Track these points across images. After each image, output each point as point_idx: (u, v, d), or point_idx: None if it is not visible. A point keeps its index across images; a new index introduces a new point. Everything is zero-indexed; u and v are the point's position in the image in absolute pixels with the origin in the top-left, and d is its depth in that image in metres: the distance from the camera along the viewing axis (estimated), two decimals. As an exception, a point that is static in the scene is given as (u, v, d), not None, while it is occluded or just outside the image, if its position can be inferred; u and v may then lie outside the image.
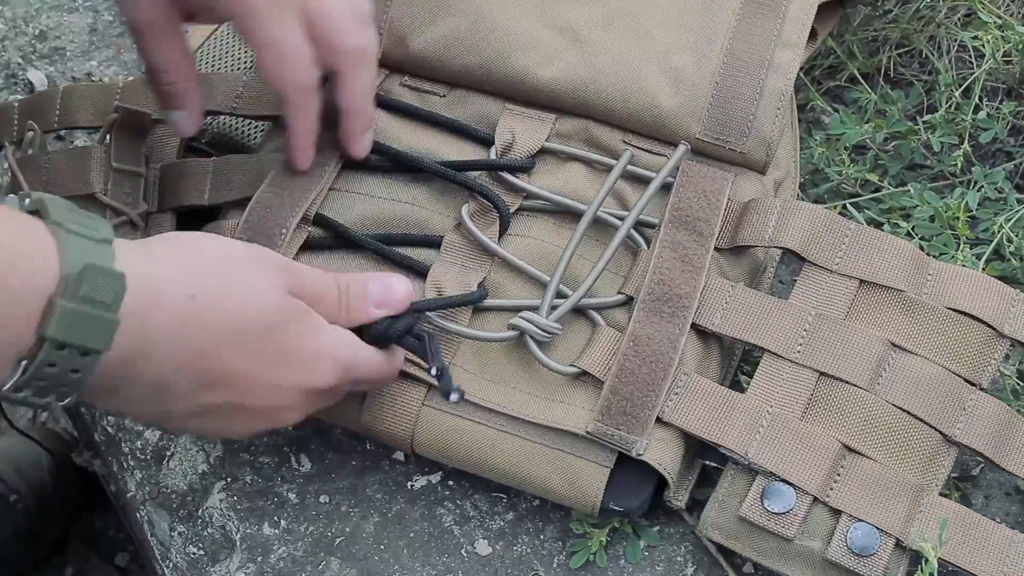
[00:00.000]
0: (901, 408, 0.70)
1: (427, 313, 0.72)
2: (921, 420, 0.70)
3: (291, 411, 0.66)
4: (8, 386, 0.53)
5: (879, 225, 0.83)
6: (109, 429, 0.82)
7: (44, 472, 1.36)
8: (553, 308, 0.72)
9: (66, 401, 0.56)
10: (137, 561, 1.38)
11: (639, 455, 0.68)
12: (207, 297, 0.59)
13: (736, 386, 0.76)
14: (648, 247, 0.75)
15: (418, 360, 0.71)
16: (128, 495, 0.80)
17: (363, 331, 0.68)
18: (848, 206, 0.83)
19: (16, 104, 0.88)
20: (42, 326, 0.52)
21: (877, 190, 0.86)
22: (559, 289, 0.73)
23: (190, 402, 0.61)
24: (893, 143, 0.88)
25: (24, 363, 0.53)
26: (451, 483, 0.76)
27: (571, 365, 0.71)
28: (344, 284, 0.67)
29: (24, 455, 1.36)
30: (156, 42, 0.75)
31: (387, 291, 0.68)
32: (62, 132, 0.95)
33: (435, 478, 0.76)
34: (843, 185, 0.86)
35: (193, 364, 0.59)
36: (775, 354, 0.71)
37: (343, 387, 0.67)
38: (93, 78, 1.01)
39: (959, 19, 0.92)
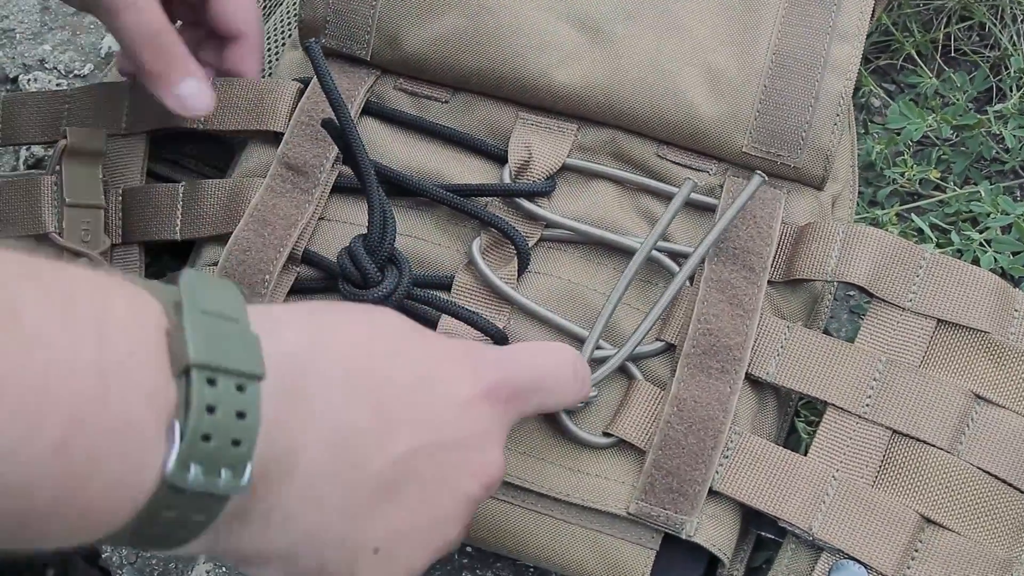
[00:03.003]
0: (986, 471, 0.60)
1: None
2: (1009, 484, 0.60)
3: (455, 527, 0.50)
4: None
5: (945, 232, 0.73)
6: (79, 482, 0.73)
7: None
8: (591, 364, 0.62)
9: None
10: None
11: (689, 537, 0.59)
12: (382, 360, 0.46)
13: (793, 435, 0.66)
14: (690, 282, 0.65)
15: None
16: (104, 555, 0.71)
17: None
18: (912, 213, 0.73)
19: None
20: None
21: (938, 188, 0.76)
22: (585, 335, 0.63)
23: (368, 514, 0.45)
24: (958, 135, 0.77)
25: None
26: (470, 551, 0.67)
27: (605, 433, 0.61)
28: (573, 358, 0.55)
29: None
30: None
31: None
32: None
33: (450, 546, 0.67)
34: (901, 185, 0.75)
35: (376, 413, 0.45)
36: (840, 408, 0.62)
37: None
38: (47, 65, 0.90)
39: (1028, -15, 0.81)
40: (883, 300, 0.63)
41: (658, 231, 0.64)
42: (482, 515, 0.61)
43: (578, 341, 0.63)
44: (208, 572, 0.68)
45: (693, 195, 0.66)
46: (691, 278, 0.65)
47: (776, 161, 0.66)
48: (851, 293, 0.74)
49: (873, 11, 0.73)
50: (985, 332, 0.62)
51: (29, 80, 0.88)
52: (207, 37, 0.72)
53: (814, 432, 0.64)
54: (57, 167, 0.69)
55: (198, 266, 0.68)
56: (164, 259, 0.74)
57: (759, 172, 0.65)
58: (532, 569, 0.66)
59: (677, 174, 0.67)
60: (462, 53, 0.68)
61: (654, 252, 0.64)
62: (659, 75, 0.67)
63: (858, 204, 0.75)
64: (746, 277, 0.63)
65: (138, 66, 0.66)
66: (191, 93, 0.66)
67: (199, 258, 0.69)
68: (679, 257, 0.65)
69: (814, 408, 0.68)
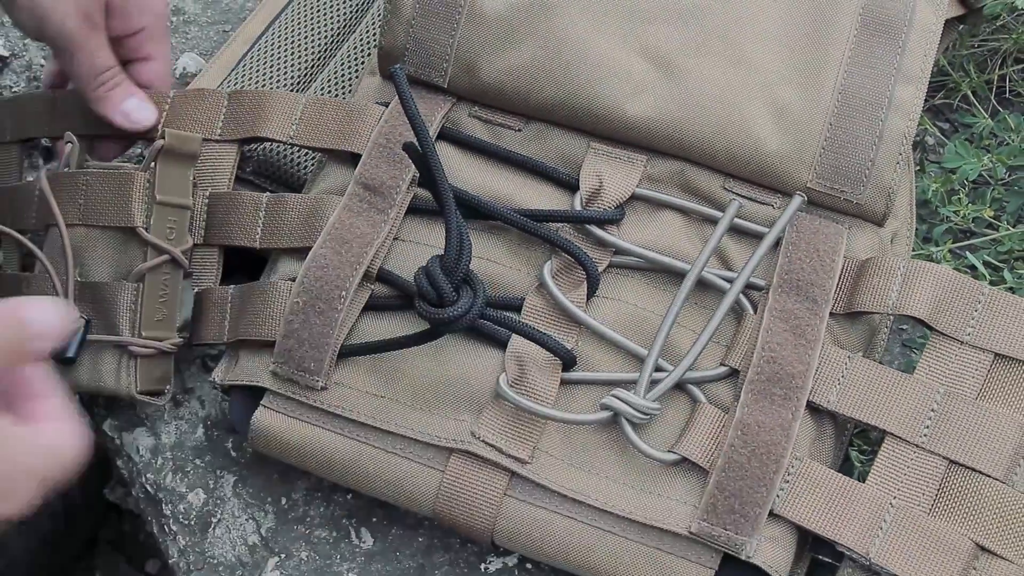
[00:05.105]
0: (1041, 503, 0.62)
1: (506, 390, 0.64)
2: (1063, 516, 0.62)
3: None
4: None
5: (998, 270, 0.75)
6: (149, 488, 0.75)
7: (70, 474, 1.29)
8: (652, 384, 0.64)
9: None
10: (168, 569, 1.32)
11: (748, 558, 0.61)
12: None
13: (847, 462, 0.68)
14: (753, 311, 0.67)
15: (499, 445, 0.63)
16: (170, 561, 0.74)
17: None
18: (966, 251, 0.75)
19: (51, 98, 0.80)
20: None
21: (990, 226, 0.77)
22: (657, 363, 0.65)
23: None
24: (1011, 175, 0.79)
25: None
26: (529, 566, 0.69)
27: (670, 451, 0.63)
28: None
29: (49, 456, 1.30)
30: (97, 43, 0.74)
31: (45, 320, 0.53)
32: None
33: (511, 560, 0.69)
34: (955, 223, 0.77)
35: None
36: (898, 437, 0.64)
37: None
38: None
39: (1083, 31, 0.83)
40: (942, 333, 0.65)
41: (709, 249, 0.66)
42: (546, 529, 0.63)
43: (643, 362, 0.65)
44: (274, 578, 0.70)
45: (754, 225, 0.68)
46: (755, 307, 0.67)
47: (839, 197, 0.68)
48: (904, 327, 0.76)
49: (933, 53, 0.75)
50: (1041, 367, 0.64)
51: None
52: None
53: (869, 460, 0.66)
54: (152, 165, 0.72)
55: (274, 278, 0.70)
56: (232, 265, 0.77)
57: (799, 192, 0.67)
58: (590, 585, 0.68)
59: (743, 207, 0.69)
60: (537, 84, 0.71)
61: (714, 279, 0.67)
62: (727, 109, 0.69)
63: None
64: (809, 308, 0.65)
65: (86, 95, 0.76)
66: (133, 108, 0.76)
67: (275, 271, 0.71)
68: (748, 289, 0.67)
69: (867, 437, 0.69)
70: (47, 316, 0.53)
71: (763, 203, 0.69)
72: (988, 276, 0.74)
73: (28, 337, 0.52)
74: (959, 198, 0.77)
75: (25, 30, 0.75)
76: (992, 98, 0.84)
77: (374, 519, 0.71)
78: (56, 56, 0.79)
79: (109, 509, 1.34)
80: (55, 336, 0.54)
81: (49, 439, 0.52)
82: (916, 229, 0.78)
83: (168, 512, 0.74)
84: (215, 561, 0.72)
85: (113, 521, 1.36)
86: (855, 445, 0.69)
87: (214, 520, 0.73)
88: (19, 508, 0.52)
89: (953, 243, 0.76)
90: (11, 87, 0.93)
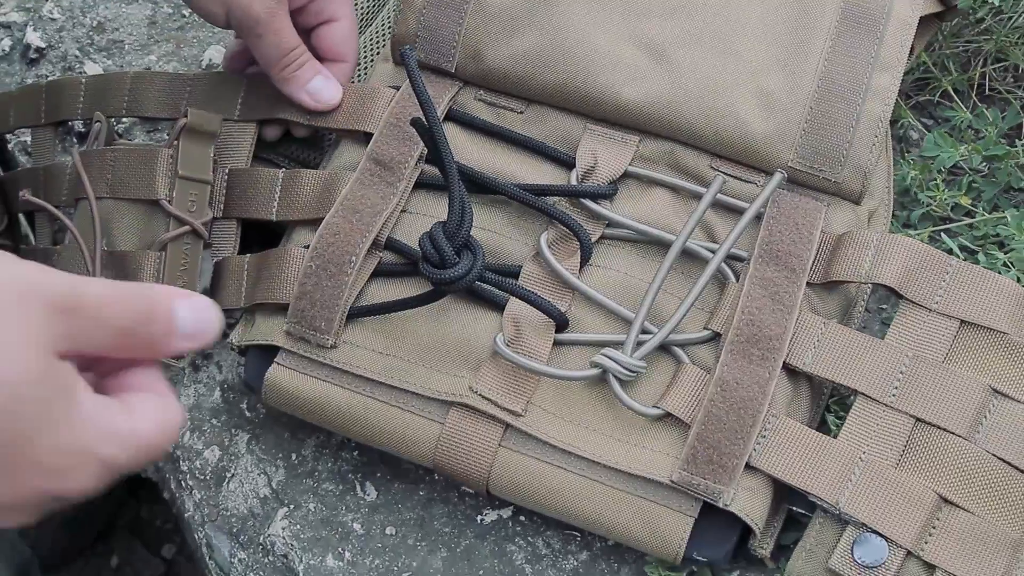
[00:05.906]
0: (1001, 459, 0.66)
1: (503, 348, 0.69)
2: (1023, 472, 0.66)
3: (18, 514, 0.46)
4: None
5: (973, 253, 0.79)
6: (168, 446, 0.80)
7: (91, 459, 1.34)
8: (638, 345, 0.68)
9: None
10: (183, 553, 1.36)
11: (726, 506, 0.65)
12: None
13: (823, 426, 0.73)
14: (736, 280, 0.71)
15: (495, 399, 0.68)
16: (186, 515, 0.78)
17: None
18: (942, 234, 0.80)
19: (83, 81, 0.86)
20: None
21: (968, 214, 0.82)
22: (643, 325, 0.69)
23: None
24: (988, 165, 0.84)
25: None
26: (522, 518, 0.73)
27: (655, 406, 0.68)
28: (144, 310, 0.47)
29: (71, 441, 1.34)
30: (283, 23, 0.76)
31: (198, 321, 0.48)
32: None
33: (505, 513, 0.74)
34: (933, 209, 0.82)
35: None
36: (869, 397, 0.68)
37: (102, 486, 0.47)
38: (151, 74, 0.98)
39: (1059, 32, 0.87)
40: (912, 301, 0.70)
41: (694, 220, 0.71)
42: (537, 478, 0.67)
43: (630, 324, 0.70)
44: (284, 528, 0.75)
45: (739, 202, 0.73)
46: (737, 276, 0.71)
47: (819, 176, 0.73)
48: (884, 306, 0.80)
49: (913, 47, 0.80)
50: (1004, 333, 0.68)
51: (135, 86, 0.97)
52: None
53: (843, 422, 0.70)
54: (175, 142, 0.77)
55: (289, 247, 0.75)
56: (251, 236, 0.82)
57: (780, 169, 0.72)
58: (578, 538, 0.72)
59: (729, 185, 0.74)
60: (538, 69, 0.76)
61: (699, 249, 0.71)
62: (716, 95, 0.74)
63: (892, 225, 0.81)
64: (787, 276, 0.70)
65: (273, 75, 0.78)
66: (319, 87, 0.78)
67: (290, 240, 0.76)
68: (729, 259, 0.72)
69: (843, 404, 0.74)
70: (202, 316, 0.48)
71: (748, 182, 0.74)
72: (963, 258, 0.78)
73: (169, 333, 0.47)
74: (936, 183, 0.81)
75: (210, 18, 0.77)
76: (974, 95, 0.88)
77: (378, 474, 0.76)
78: (243, 39, 0.79)
79: (128, 495, 1.39)
80: (205, 342, 0.48)
81: (131, 420, 0.45)
82: (897, 215, 0.82)
83: (185, 468, 0.79)
84: (228, 512, 0.76)
85: (131, 506, 1.40)
86: (832, 411, 0.73)
87: (228, 475, 0.78)
88: (79, 490, 0.45)
89: (932, 228, 0.81)
90: (47, 76, 0.99)
